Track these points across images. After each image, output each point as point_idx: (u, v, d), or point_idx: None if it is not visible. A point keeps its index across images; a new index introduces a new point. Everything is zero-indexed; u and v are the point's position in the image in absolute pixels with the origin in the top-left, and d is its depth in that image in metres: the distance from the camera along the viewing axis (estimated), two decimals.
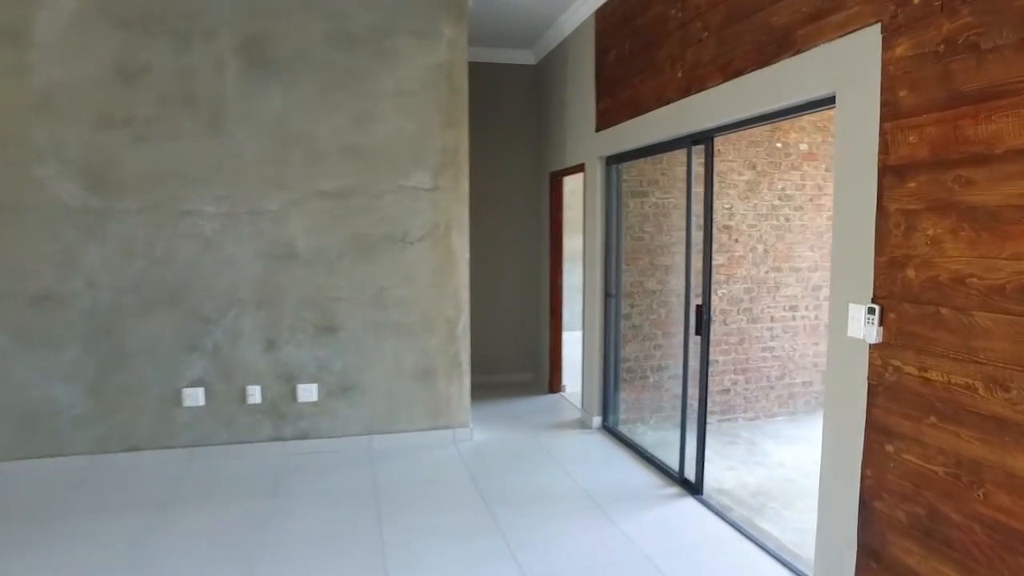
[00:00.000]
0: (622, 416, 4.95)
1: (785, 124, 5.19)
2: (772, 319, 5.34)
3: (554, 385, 6.11)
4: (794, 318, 5.39)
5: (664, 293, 5.03)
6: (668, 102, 3.72)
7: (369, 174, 4.40)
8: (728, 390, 5.29)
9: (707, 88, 3.31)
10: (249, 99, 4.18)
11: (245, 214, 4.24)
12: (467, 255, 4.56)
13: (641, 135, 4.10)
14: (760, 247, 5.23)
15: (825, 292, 5.44)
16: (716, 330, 5.10)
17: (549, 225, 5.97)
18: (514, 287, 6.41)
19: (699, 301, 3.72)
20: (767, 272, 5.27)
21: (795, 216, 5.30)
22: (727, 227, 5.13)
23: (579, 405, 5.52)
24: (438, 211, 4.50)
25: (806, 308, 5.41)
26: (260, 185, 4.24)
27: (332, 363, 4.46)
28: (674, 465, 3.98)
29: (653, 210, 4.94)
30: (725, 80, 3.14)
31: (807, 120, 5.25)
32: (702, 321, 3.64)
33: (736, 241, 5.17)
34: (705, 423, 3.68)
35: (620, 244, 4.78)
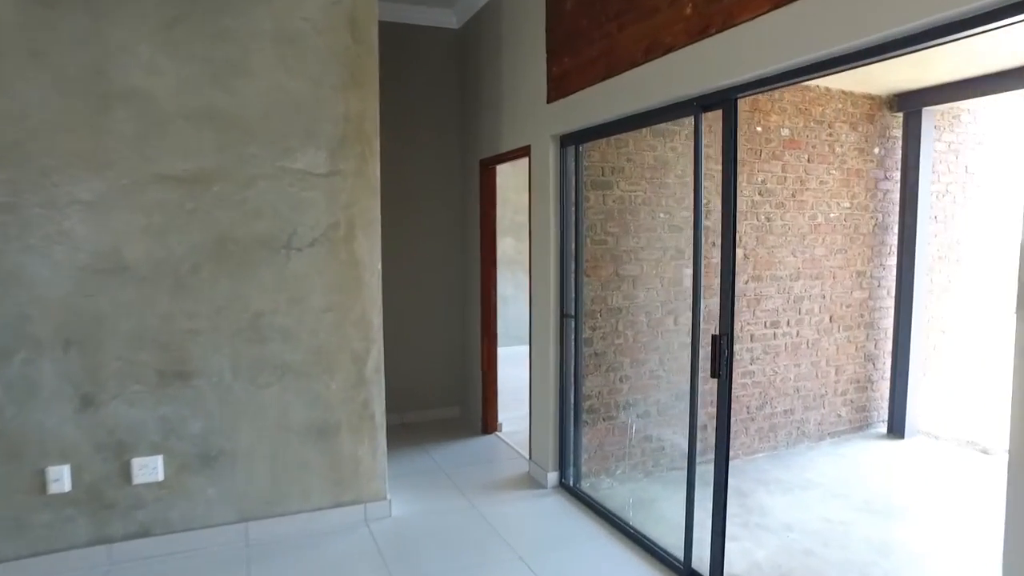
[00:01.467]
0: (585, 469, 3.87)
1: (765, 104, 4.33)
2: (752, 338, 4.46)
3: (488, 423, 4.95)
4: (775, 336, 4.54)
5: (632, 310, 4.02)
6: (666, 51, 2.68)
7: (236, 151, 3.08)
8: (704, 426, 4.34)
9: (738, 24, 2.29)
10: (40, 30, 2.74)
11: (37, 207, 2.79)
12: (378, 265, 3.32)
13: (618, 102, 3.05)
14: (739, 251, 4.34)
15: (807, 305, 4.63)
16: (679, 347, 4.16)
17: (480, 225, 4.82)
18: (434, 301, 5.21)
19: (713, 329, 2.70)
20: (747, 282, 4.39)
21: (776, 215, 4.45)
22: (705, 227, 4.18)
23: (524, 453, 4.40)
24: (337, 204, 3.23)
25: (787, 324, 4.58)
26: (63, 164, 2.81)
27: (186, 424, 3.08)
28: (675, 547, 2.94)
29: (618, 206, 3.92)
30: (775, 7, 2.12)
31: (788, 100, 4.42)
32: (721, 359, 2.61)
33: (714, 245, 4.25)
34: (725, 497, 2.65)
35: (580, 250, 3.71)
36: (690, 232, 4.06)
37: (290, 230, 3.17)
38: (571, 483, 3.81)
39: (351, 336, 3.30)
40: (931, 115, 4.73)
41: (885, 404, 5.06)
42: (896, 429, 4.88)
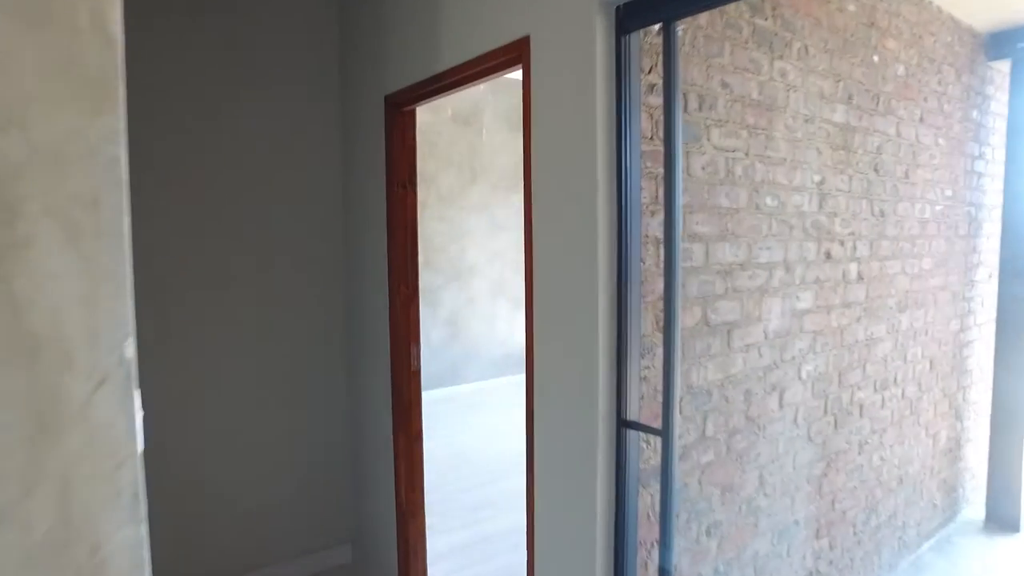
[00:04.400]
0: None
1: (882, 19, 2.56)
2: (861, 411, 2.67)
3: (409, 573, 2.68)
4: (883, 402, 2.80)
5: (728, 391, 2.02)
6: None
7: None
8: (812, 574, 2.48)
9: None
10: None
11: None
12: (128, 312, 1.01)
13: None
14: (853, 268, 2.53)
15: (912, 348, 2.95)
16: (785, 447, 2.28)
17: (388, 220, 2.52)
18: (292, 369, 2.82)
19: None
20: (859, 319, 2.59)
21: (889, 205, 2.71)
22: (817, 225, 2.31)
23: None
24: None
25: (895, 380, 2.86)
26: None
27: None
28: None
29: (708, 177, 1.90)
30: None
31: (904, 17, 2.69)
32: None
33: (827, 257, 2.39)
34: None
35: (673, 271, 1.61)
36: (803, 230, 2.17)
37: None
38: None
39: (50, 462, 0.95)
40: None
41: (975, 477, 3.58)
42: (1001, 517, 3.38)
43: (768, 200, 2.09)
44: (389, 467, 2.59)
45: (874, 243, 2.62)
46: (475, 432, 4.82)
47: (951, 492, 3.41)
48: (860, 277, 2.56)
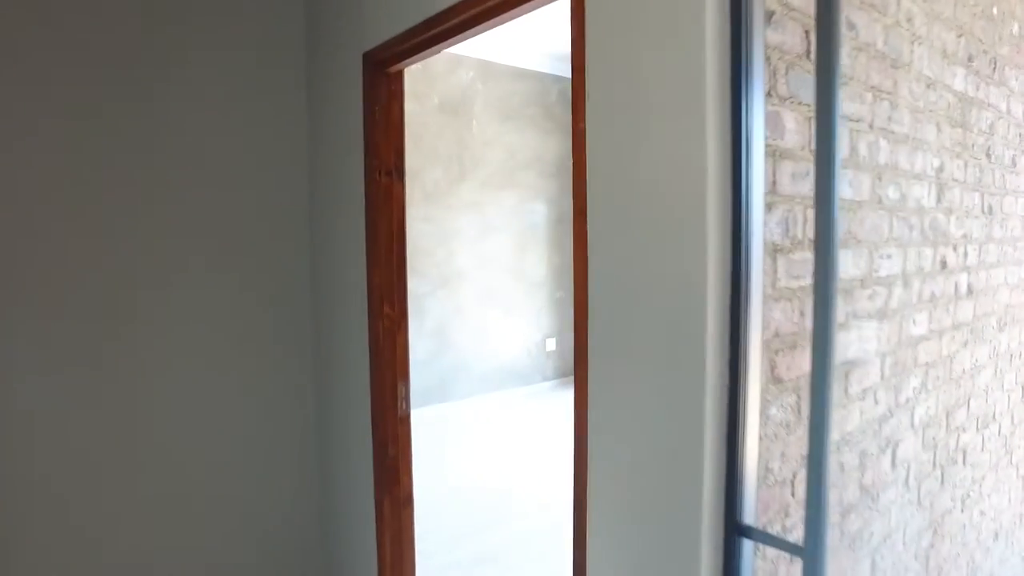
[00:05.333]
0: None
1: None
2: (964, 457, 2.13)
3: None
4: (982, 444, 2.27)
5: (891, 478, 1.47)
6: None
7: None
8: None
9: None
10: None
11: None
12: None
13: None
14: (964, 279, 1.99)
15: (1009, 374, 2.42)
16: (897, 518, 1.73)
17: (367, 213, 1.90)
18: (232, 405, 2.20)
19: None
20: (966, 344, 2.06)
21: (996, 200, 2.17)
22: (935, 225, 1.77)
23: None
24: None
25: (995, 415, 2.33)
26: None
27: None
28: None
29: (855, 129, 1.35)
30: None
31: None
32: None
33: (942, 266, 1.84)
34: None
35: (828, 279, 1.03)
36: (921, 232, 1.63)
37: None
38: None
39: None
40: None
41: None
42: None
43: (891, 191, 1.53)
44: (370, 542, 1.98)
45: (982, 247, 2.08)
46: (469, 460, 4.23)
47: None
48: (969, 291, 2.02)
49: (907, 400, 1.72)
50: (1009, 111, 2.16)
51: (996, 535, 2.44)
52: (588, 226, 1.17)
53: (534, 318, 5.91)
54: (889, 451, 1.66)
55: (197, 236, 1.99)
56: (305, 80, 2.17)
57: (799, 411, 1.23)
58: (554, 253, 6.01)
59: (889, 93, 1.49)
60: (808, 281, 1.27)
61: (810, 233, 1.27)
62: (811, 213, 1.23)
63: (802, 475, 1.24)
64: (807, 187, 1.22)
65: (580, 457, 1.22)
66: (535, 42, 5.34)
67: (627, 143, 1.09)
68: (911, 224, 1.64)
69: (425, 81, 5.11)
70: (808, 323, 1.28)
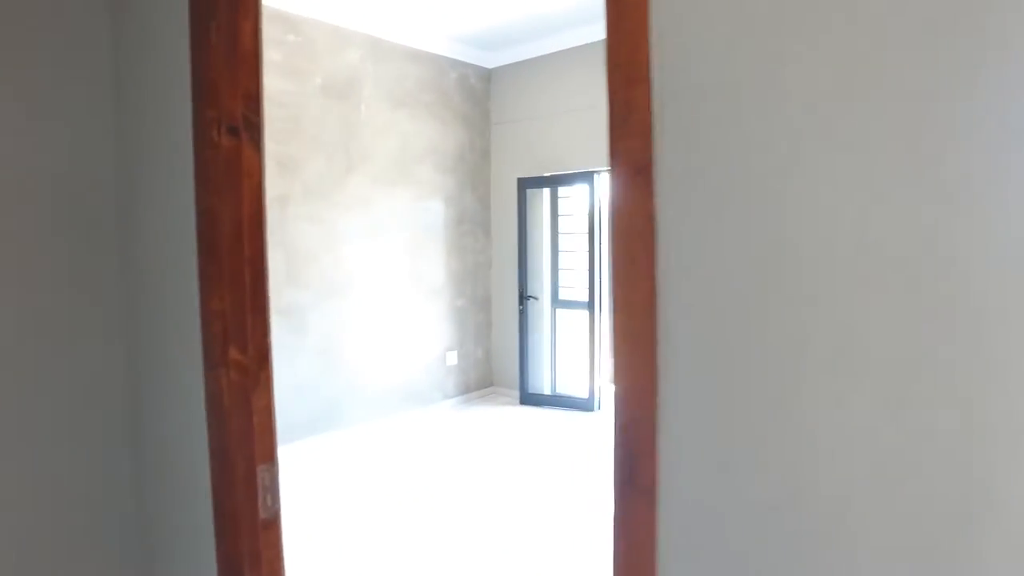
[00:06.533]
0: None
1: None
2: None
3: None
4: None
5: None
6: None
7: None
8: None
9: None
10: None
11: None
12: None
13: None
14: None
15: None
16: None
17: (196, 187, 1.20)
18: None
19: None
20: None
21: None
22: None
23: None
24: None
25: None
26: None
27: None
28: None
29: None
30: None
31: None
32: None
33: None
34: None
35: None
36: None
37: None
38: None
39: None
40: None
41: None
42: None
43: None
44: None
45: None
46: (372, 508, 3.48)
47: None
48: None
49: None
50: None
51: None
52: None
53: (433, 329, 5.26)
54: None
55: None
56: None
57: None
58: (453, 257, 5.38)
59: None
60: None
61: None
62: None
63: None
64: None
65: None
66: (433, 20, 4.69)
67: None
68: None
69: (305, 56, 4.32)
70: None
